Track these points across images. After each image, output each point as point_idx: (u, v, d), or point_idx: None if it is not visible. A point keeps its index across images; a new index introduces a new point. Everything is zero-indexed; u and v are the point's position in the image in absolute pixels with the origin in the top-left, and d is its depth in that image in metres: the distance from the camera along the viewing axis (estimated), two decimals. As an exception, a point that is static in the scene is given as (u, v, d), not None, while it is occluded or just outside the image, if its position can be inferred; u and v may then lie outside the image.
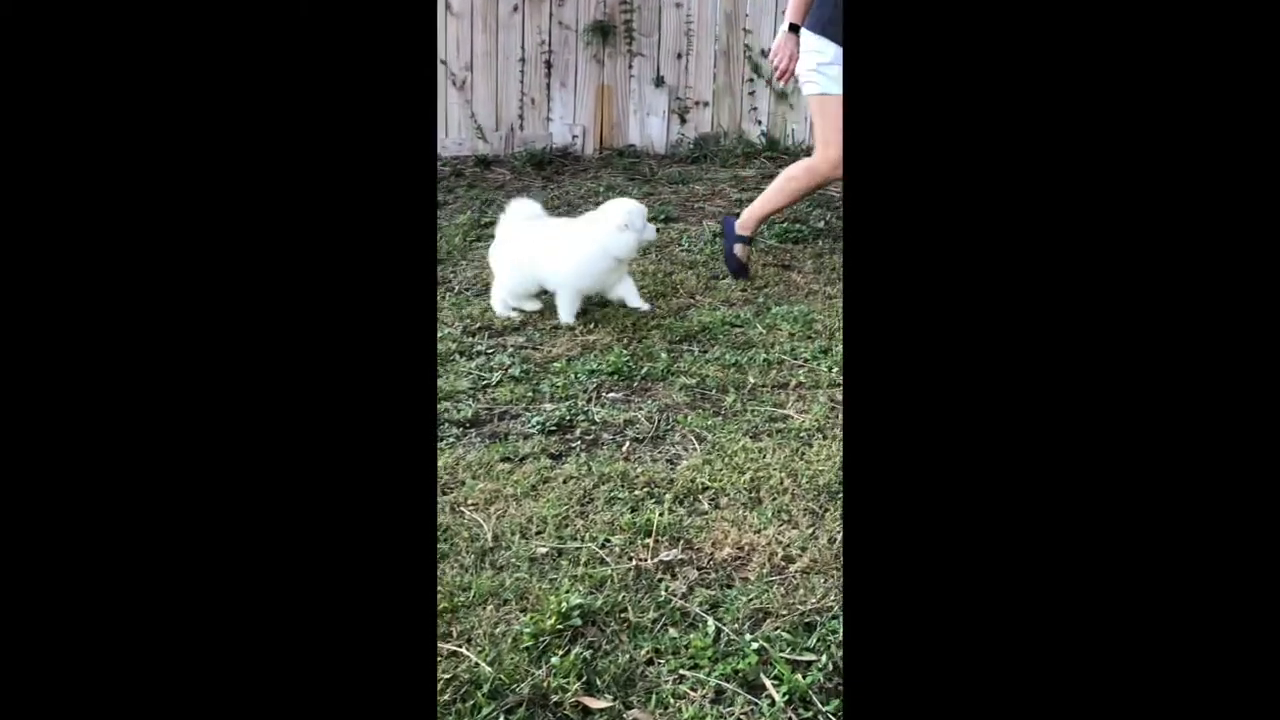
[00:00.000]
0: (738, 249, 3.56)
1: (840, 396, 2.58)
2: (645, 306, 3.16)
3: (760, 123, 5.67)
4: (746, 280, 3.55)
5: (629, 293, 3.15)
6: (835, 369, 2.75)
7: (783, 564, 1.84)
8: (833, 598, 1.72)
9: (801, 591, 1.75)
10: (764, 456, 2.25)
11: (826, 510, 2.03)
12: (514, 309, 3.14)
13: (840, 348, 2.88)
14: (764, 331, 3.04)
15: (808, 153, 5.45)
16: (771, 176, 5.27)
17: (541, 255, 3.02)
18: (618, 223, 2.97)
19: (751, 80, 5.61)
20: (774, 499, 2.07)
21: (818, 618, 1.68)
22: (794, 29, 3.22)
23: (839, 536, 1.91)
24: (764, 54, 5.49)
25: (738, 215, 3.64)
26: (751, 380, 2.70)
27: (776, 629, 1.65)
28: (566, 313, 3.06)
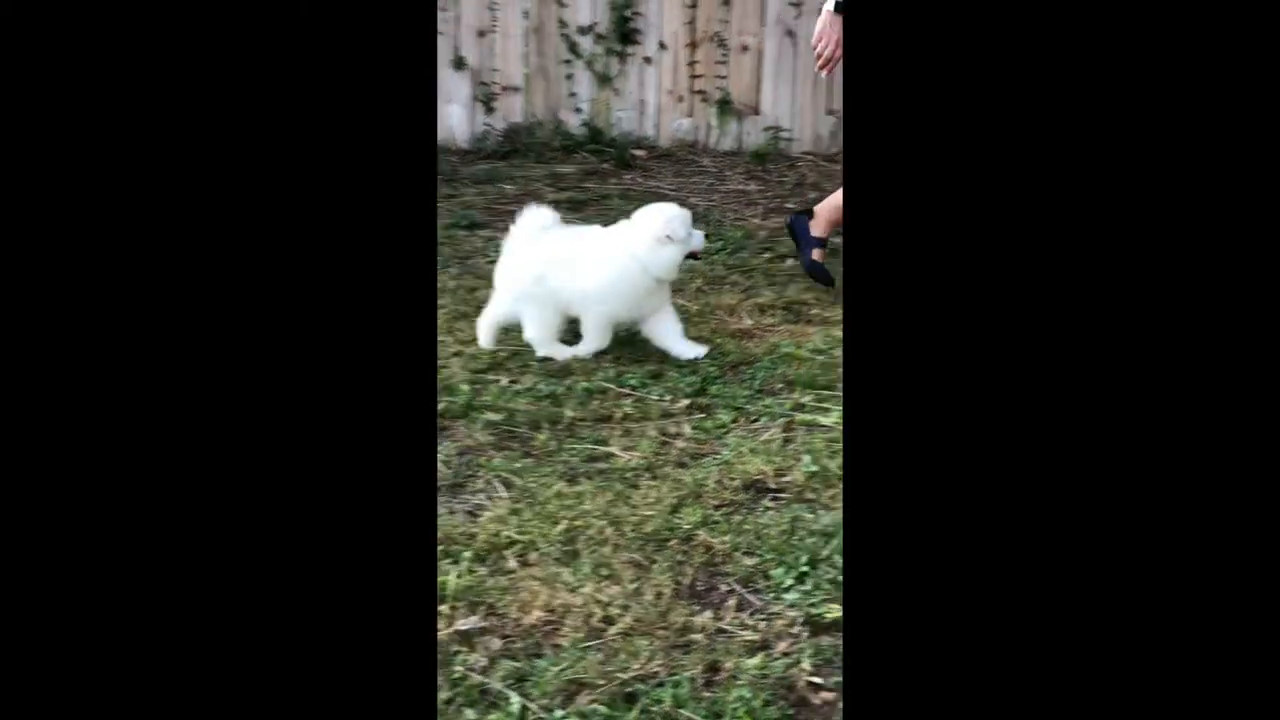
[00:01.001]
0: (814, 254, 3.56)
1: (672, 429, 2.66)
2: (697, 352, 2.99)
3: (580, 110, 5.76)
4: (828, 286, 3.53)
5: (671, 334, 2.98)
6: (668, 398, 2.83)
7: (601, 626, 1.87)
8: (658, 662, 1.77)
9: (622, 657, 1.79)
10: (582, 502, 2.29)
11: (654, 561, 2.08)
12: (545, 354, 3.01)
13: (674, 372, 2.96)
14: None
15: (637, 145, 5.62)
16: (596, 172, 5.41)
17: (562, 272, 2.93)
18: (657, 233, 2.87)
19: (569, 62, 5.71)
20: (592, 551, 2.10)
21: (640, 686, 1.72)
22: (839, 8, 3.18)
23: (667, 590, 1.96)
24: (582, 30, 5.61)
25: (806, 213, 3.61)
26: (569, 414, 2.74)
27: (592, 703, 1.68)
28: (591, 341, 2.96)
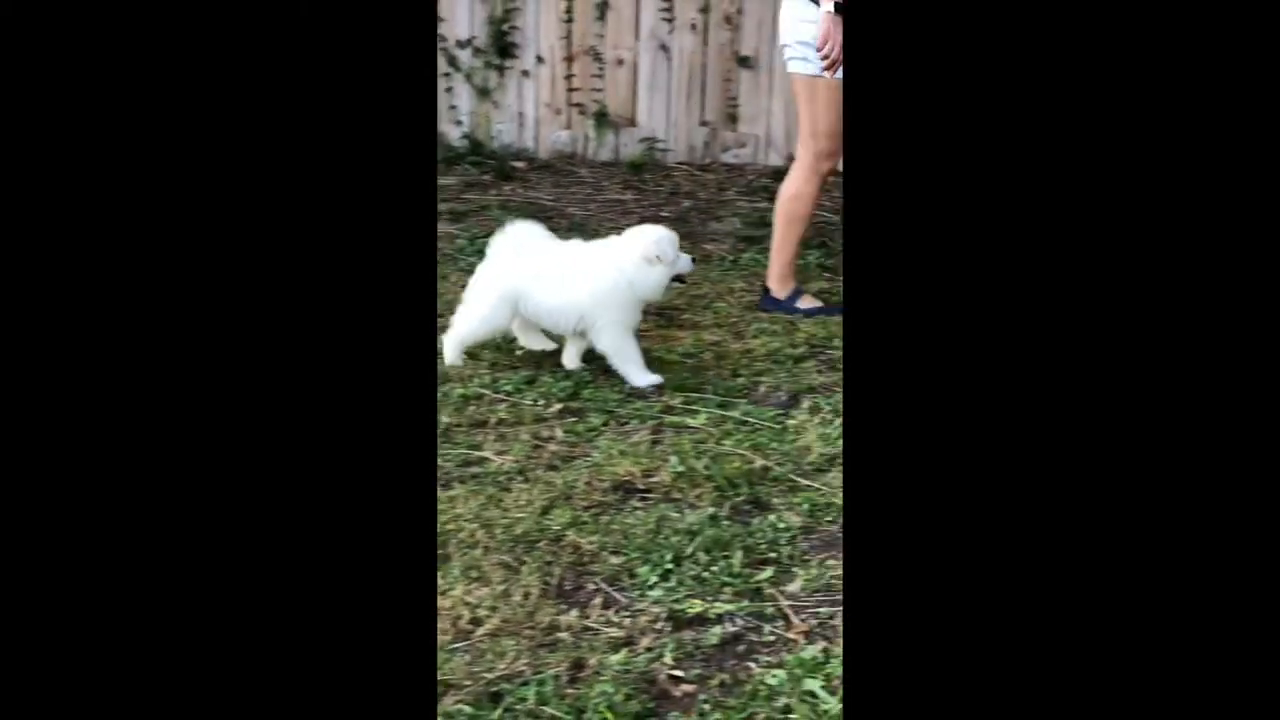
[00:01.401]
0: (801, 303, 3.51)
1: (545, 433, 2.69)
2: (577, 366, 3.03)
3: (461, 123, 5.75)
4: (790, 313, 3.49)
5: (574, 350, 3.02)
6: (541, 402, 2.85)
7: (469, 628, 1.89)
8: (523, 661, 1.80)
9: (489, 657, 1.81)
10: (454, 506, 2.30)
11: (523, 563, 2.10)
12: (523, 349, 3.08)
13: (548, 377, 2.99)
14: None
15: (516, 156, 5.64)
16: (476, 184, 5.40)
17: (547, 287, 2.90)
18: (646, 253, 2.83)
19: (448, 75, 5.69)
20: (463, 554, 2.12)
21: (506, 685, 1.74)
22: (839, 8, 3.06)
23: (535, 591, 1.99)
24: (460, 44, 5.60)
25: (765, 289, 3.56)
26: (445, 419, 2.74)
27: (458, 703, 1.70)
28: (628, 363, 2.91)
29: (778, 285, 3.56)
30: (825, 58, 3.15)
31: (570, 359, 3.07)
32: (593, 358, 3.05)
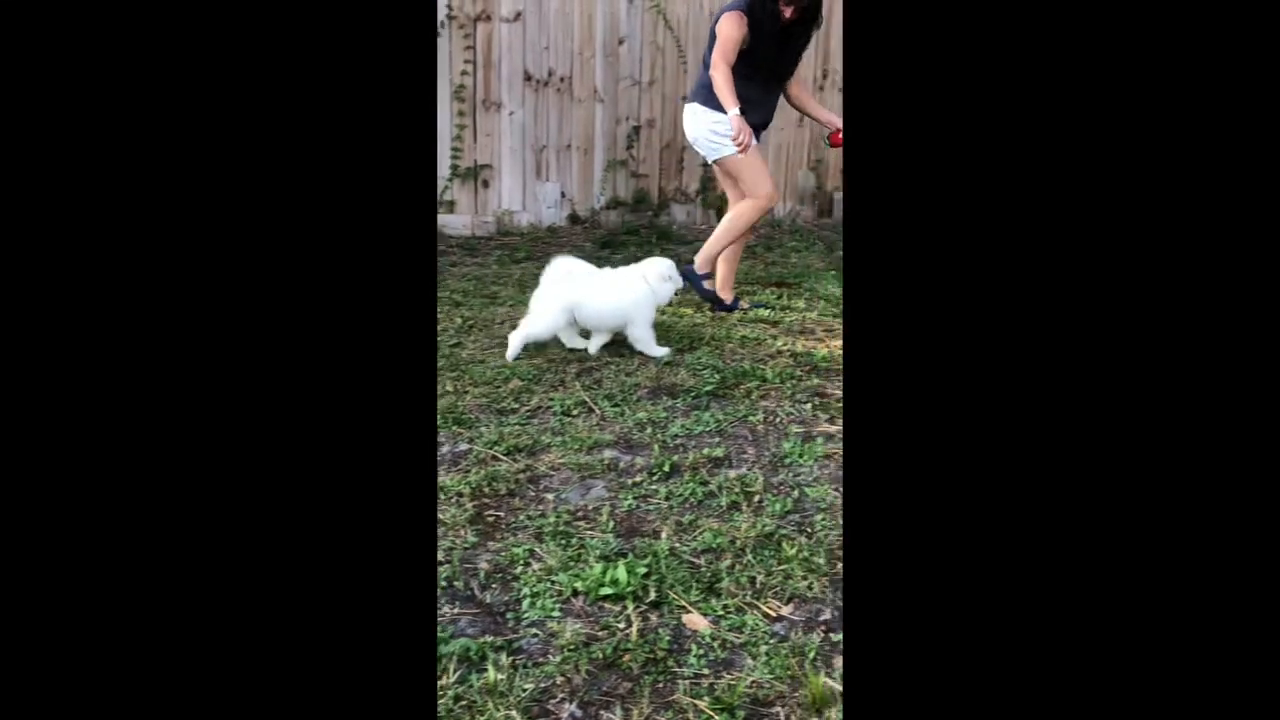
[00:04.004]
0: (706, 284, 4.66)
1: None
2: (664, 352, 4.03)
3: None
4: (729, 311, 4.69)
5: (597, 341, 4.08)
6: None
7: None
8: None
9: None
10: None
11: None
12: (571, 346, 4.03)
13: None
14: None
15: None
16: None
17: (597, 300, 3.87)
18: (662, 274, 4.00)
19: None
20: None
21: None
22: (743, 111, 4.30)
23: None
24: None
25: (690, 263, 4.69)
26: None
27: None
28: (652, 348, 3.98)
29: (703, 261, 4.67)
30: (741, 146, 4.34)
31: (594, 348, 4.00)
32: (605, 346, 3.74)
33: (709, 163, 4.66)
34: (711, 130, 4.42)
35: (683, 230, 6.98)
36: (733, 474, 2.81)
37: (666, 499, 2.64)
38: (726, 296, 4.76)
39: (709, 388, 3.51)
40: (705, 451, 2.95)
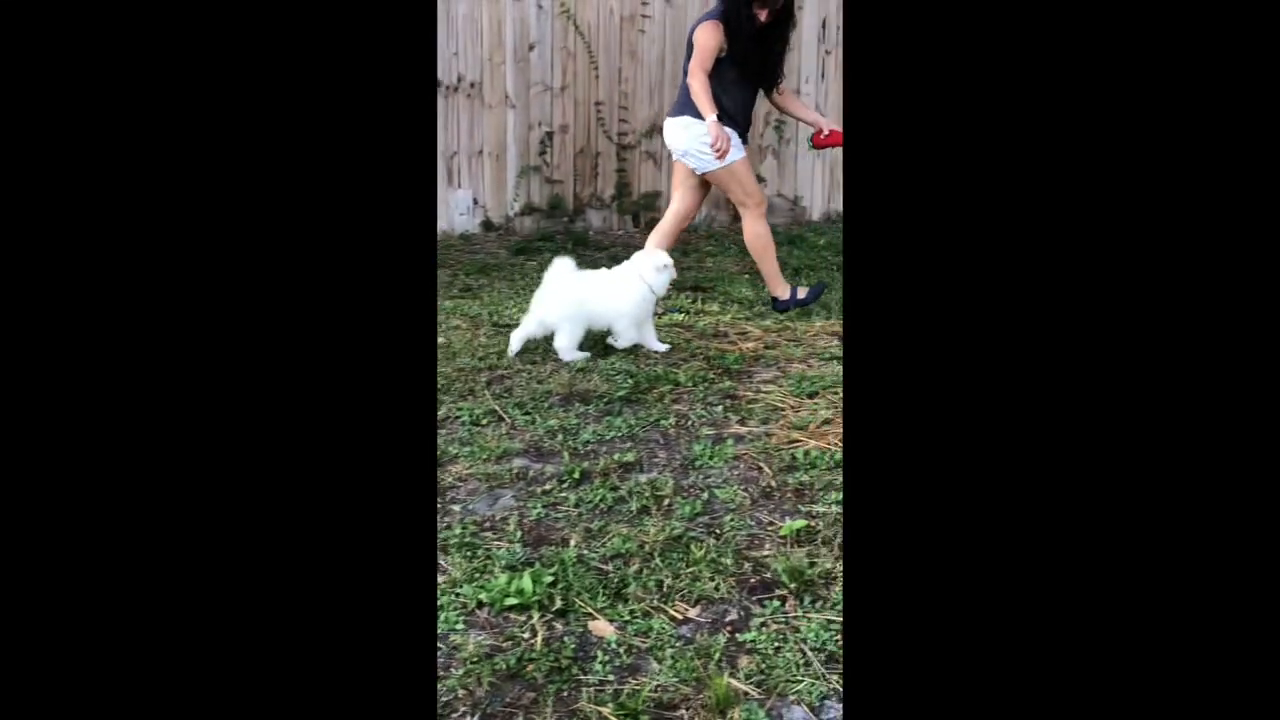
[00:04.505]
0: (800, 294, 4.75)
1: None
2: (664, 347, 4.15)
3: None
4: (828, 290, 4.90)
5: (650, 335, 4.19)
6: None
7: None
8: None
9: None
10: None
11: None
12: (570, 359, 3.99)
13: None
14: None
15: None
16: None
17: (598, 298, 3.96)
18: (656, 265, 4.09)
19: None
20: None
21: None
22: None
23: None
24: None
25: (775, 300, 4.81)
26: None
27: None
28: (648, 339, 4.12)
29: (781, 291, 4.79)
30: (719, 152, 4.40)
31: (624, 342, 4.12)
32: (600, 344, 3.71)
33: (699, 174, 4.67)
34: (702, 142, 4.45)
35: (599, 236, 6.98)
36: (643, 478, 2.80)
37: (576, 506, 2.63)
38: (784, 292, 4.80)
39: (622, 393, 3.50)
40: (616, 457, 2.94)
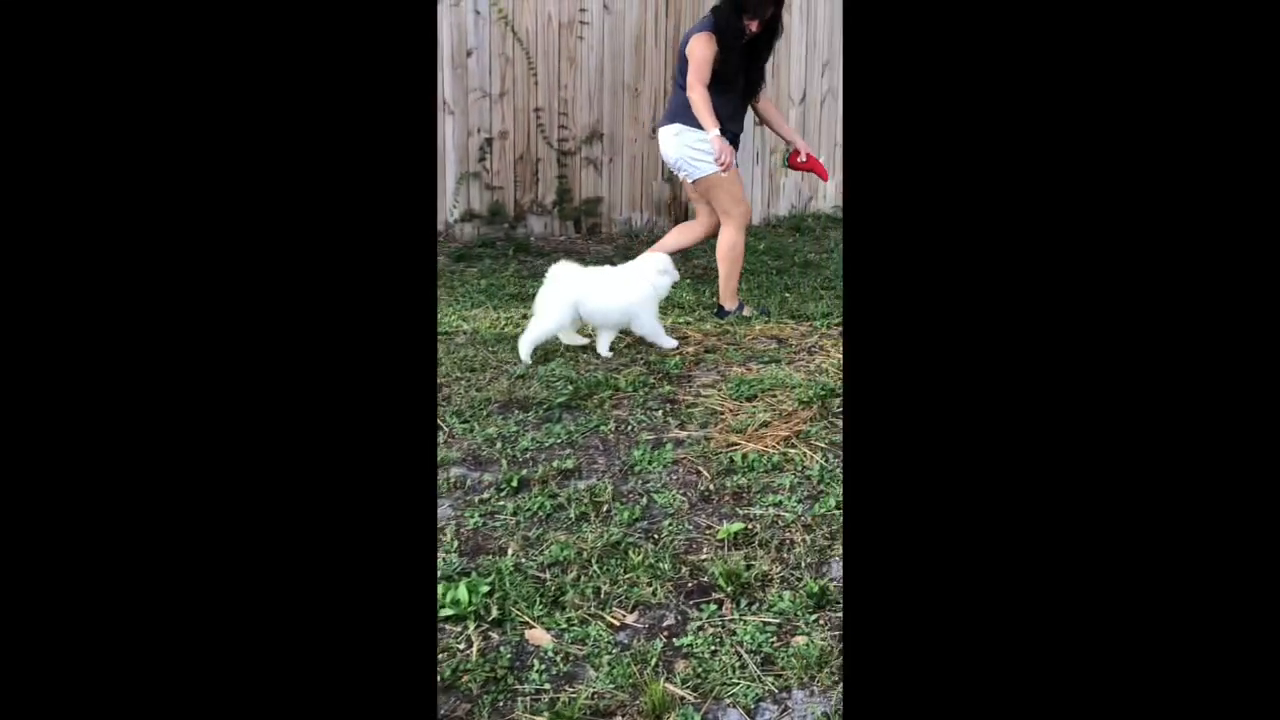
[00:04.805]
0: (745, 311, 4.77)
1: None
2: (673, 344, 4.27)
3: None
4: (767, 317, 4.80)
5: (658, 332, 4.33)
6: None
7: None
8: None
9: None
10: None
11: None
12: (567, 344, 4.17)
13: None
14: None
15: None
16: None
17: (602, 297, 4.04)
18: (659, 269, 4.20)
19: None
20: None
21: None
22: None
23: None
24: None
25: (720, 308, 4.82)
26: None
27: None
28: (660, 339, 4.25)
29: (730, 304, 4.83)
30: (723, 165, 4.48)
31: (602, 348, 4.15)
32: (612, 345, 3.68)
33: (689, 181, 4.69)
34: (694, 149, 4.50)
35: (540, 242, 6.96)
36: (582, 485, 2.80)
37: (514, 514, 2.61)
38: (730, 303, 4.85)
39: (561, 399, 3.49)
40: (555, 464, 2.94)
